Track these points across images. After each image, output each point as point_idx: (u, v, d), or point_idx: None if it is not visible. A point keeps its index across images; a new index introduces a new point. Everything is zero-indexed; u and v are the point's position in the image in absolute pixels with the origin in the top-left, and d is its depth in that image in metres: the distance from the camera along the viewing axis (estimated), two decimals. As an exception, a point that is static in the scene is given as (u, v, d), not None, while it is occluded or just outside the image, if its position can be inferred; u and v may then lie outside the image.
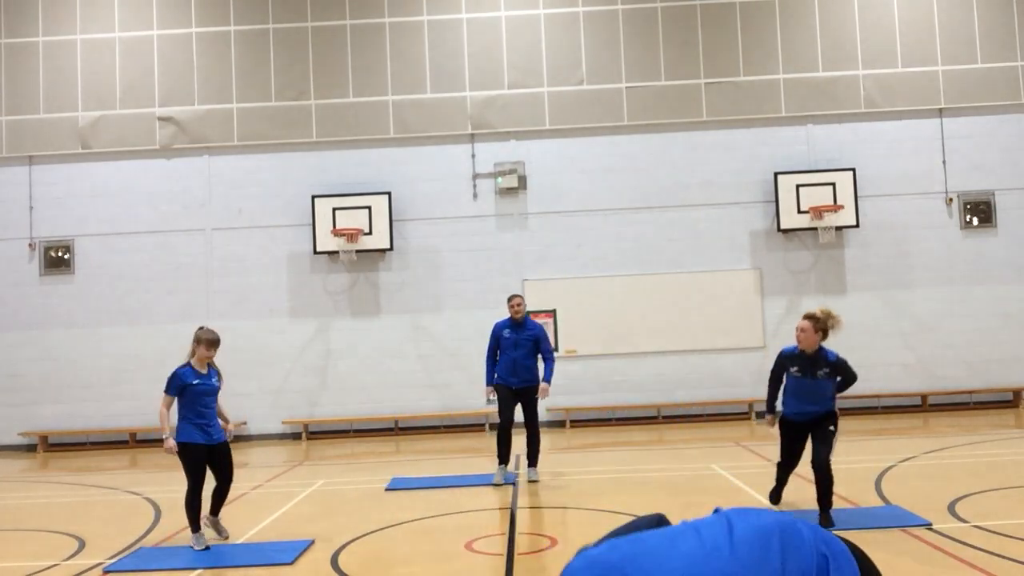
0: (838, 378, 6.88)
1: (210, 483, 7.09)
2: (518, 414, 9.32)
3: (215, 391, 7.10)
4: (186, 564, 6.44)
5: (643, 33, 14.93)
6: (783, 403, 7.08)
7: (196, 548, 6.73)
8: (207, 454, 6.95)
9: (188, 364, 7.09)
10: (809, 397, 6.83)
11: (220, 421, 7.14)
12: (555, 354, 9.75)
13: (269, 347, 14.70)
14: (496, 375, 9.29)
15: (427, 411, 14.55)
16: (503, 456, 9.23)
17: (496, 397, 9.37)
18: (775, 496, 7.42)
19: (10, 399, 14.73)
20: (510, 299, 9.45)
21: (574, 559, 1.88)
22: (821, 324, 6.80)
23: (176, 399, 6.99)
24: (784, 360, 7.00)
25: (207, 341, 7.09)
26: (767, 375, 7.32)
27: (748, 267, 14.64)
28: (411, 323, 14.64)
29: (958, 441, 11.01)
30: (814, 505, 6.98)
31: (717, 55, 14.87)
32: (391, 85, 14.93)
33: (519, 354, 9.22)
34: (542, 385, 9.30)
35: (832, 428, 6.80)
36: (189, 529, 6.91)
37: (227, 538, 7.08)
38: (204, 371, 7.09)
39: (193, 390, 6.94)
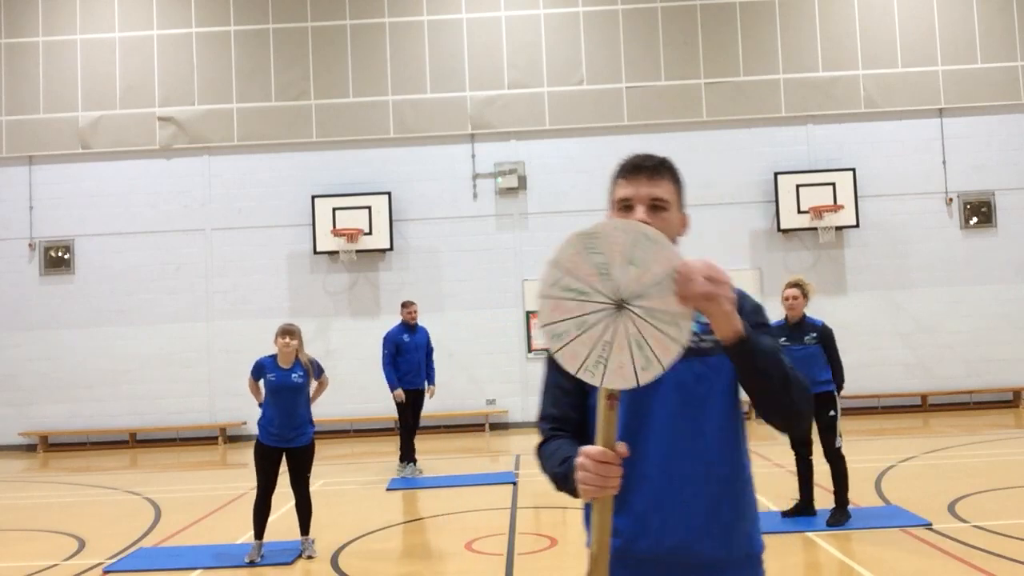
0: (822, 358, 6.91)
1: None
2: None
3: (295, 387, 6.54)
4: (186, 564, 6.44)
5: (643, 33, 14.93)
6: None
7: (245, 559, 6.38)
8: (276, 457, 6.50)
9: (273, 355, 6.67)
10: (800, 365, 6.78)
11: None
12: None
13: (269, 347, 14.65)
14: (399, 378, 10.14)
15: (427, 411, 14.49)
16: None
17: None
18: (805, 503, 6.93)
19: (10, 399, 14.73)
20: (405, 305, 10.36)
21: None
22: (805, 289, 6.98)
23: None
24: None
25: (279, 331, 6.65)
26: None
27: (748, 267, 14.63)
28: (411, 323, 14.62)
29: (958, 441, 11.01)
30: (824, 500, 7.01)
31: (717, 55, 14.86)
32: (391, 85, 14.93)
33: (420, 356, 10.27)
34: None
35: (832, 414, 6.84)
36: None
37: (310, 557, 6.45)
38: (287, 365, 6.60)
39: (268, 383, 6.56)
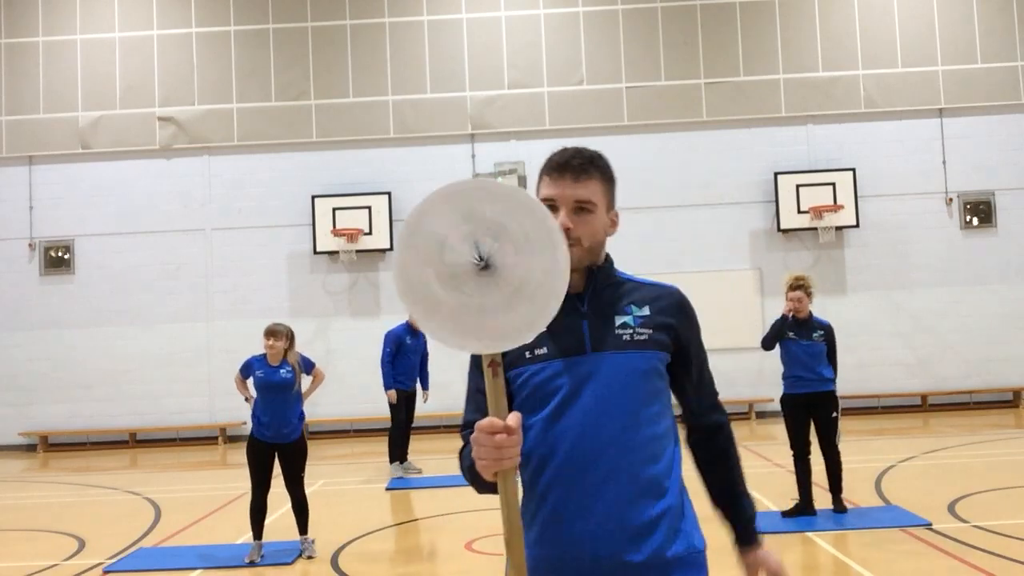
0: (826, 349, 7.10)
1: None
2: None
3: (282, 384, 6.53)
4: (186, 564, 6.44)
5: (643, 33, 14.93)
6: (783, 379, 7.16)
7: (245, 559, 6.39)
8: (268, 453, 6.51)
9: (263, 354, 6.68)
10: (807, 362, 6.97)
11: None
12: None
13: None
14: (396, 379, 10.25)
15: (426, 411, 14.52)
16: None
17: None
18: (805, 503, 7.01)
19: (10, 399, 14.72)
20: None
21: None
22: (809, 287, 7.12)
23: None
24: (780, 324, 7.14)
25: (264, 332, 6.67)
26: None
27: (748, 267, 14.63)
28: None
29: (958, 441, 11.00)
30: (821, 500, 7.02)
31: (717, 55, 14.86)
32: (391, 85, 14.93)
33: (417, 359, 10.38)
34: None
35: (835, 415, 7.00)
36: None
37: (310, 558, 6.46)
38: (275, 363, 6.61)
39: (256, 380, 6.58)
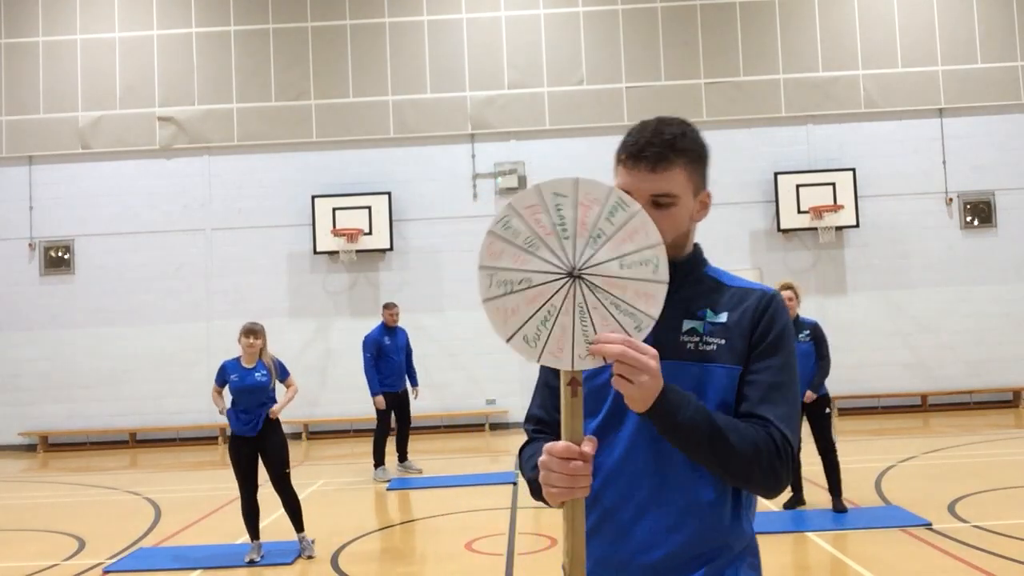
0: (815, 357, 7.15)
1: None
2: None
3: (257, 387, 6.56)
4: (186, 564, 6.44)
5: (643, 33, 14.93)
6: None
7: (245, 559, 6.41)
8: (249, 449, 6.52)
9: (237, 357, 6.72)
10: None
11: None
12: None
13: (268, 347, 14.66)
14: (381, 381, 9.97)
15: (427, 411, 14.54)
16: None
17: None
18: (797, 496, 7.34)
19: (10, 399, 14.73)
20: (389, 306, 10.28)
21: None
22: (796, 291, 7.27)
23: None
24: None
25: (242, 331, 6.67)
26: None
27: (748, 267, 14.62)
28: (411, 323, 14.57)
29: (958, 441, 11.00)
30: (822, 500, 7.03)
31: (717, 55, 14.86)
32: (391, 85, 14.93)
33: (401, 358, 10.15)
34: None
35: (828, 410, 7.15)
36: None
37: (310, 557, 6.49)
38: (250, 365, 6.65)
39: (232, 384, 6.59)
